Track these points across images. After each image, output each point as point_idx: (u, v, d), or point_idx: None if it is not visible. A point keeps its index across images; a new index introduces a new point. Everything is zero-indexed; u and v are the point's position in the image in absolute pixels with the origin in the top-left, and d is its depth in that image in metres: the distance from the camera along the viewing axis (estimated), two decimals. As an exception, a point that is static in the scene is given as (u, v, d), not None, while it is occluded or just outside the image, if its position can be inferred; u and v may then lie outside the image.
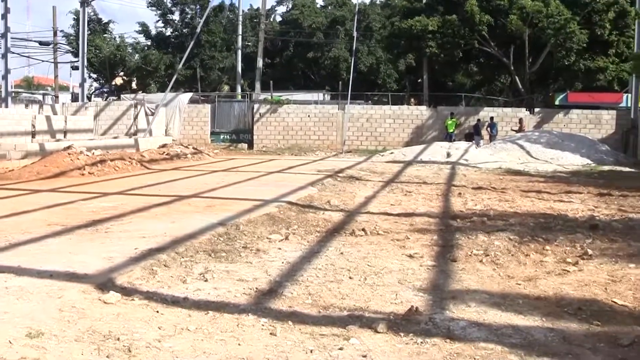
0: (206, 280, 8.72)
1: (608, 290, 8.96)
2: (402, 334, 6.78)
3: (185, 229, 12.13)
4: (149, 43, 63.59)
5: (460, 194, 19.72)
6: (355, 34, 49.89)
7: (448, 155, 33.94)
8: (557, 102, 47.51)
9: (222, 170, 26.22)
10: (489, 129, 41.07)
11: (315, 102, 48.16)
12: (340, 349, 6.35)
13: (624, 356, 6.47)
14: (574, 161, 33.22)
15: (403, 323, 7.11)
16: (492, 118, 42.01)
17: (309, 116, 44.88)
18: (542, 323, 7.46)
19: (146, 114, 42.65)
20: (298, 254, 10.53)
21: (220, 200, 16.62)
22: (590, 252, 11.26)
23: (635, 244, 12.29)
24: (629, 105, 42.85)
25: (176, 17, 63.15)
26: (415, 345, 6.53)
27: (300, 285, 8.62)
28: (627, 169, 30.99)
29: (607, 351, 6.60)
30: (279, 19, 73.88)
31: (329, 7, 72.58)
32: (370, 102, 52.50)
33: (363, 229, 12.78)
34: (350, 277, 9.11)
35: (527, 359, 6.31)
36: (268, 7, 66.08)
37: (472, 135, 40.50)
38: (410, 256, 10.61)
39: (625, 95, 46.03)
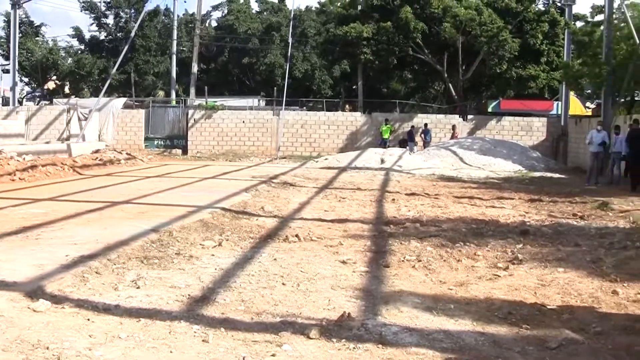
0: (138, 287, 8.64)
1: (537, 294, 9.12)
2: (334, 340, 6.80)
3: (118, 235, 12.00)
4: (82, 47, 62.70)
5: (393, 200, 19.85)
6: (290, 40, 49.86)
7: (382, 161, 34.11)
8: (489, 109, 48.14)
9: (155, 176, 26.01)
10: (422, 135, 41.38)
11: (250, 108, 48.03)
12: (273, 355, 6.35)
13: (551, 359, 6.60)
14: (506, 167, 33.65)
15: (335, 329, 7.13)
16: (426, 125, 42.35)
17: (243, 122, 44.73)
18: (473, 327, 7.56)
19: (79, 119, 42.05)
20: (231, 261, 10.50)
21: (154, 206, 16.50)
22: (520, 257, 11.45)
23: (564, 248, 12.53)
24: (559, 112, 43.59)
25: (110, 21, 62.38)
26: (348, 351, 6.56)
27: (233, 292, 8.59)
28: (557, 175, 31.50)
29: (535, 354, 6.73)
30: (214, 24, 73.62)
31: (265, 13, 72.54)
32: (305, 108, 52.61)
33: (296, 235, 12.80)
34: (283, 284, 9.12)
35: (458, 363, 6.40)
36: (203, 12, 65.75)
37: (406, 141, 40.75)
38: (344, 262, 10.66)
39: (555, 103, 46.86)
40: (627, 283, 9.87)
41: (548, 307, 8.56)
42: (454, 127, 42.69)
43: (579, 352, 6.86)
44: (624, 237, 13.67)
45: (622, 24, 33.99)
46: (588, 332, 7.55)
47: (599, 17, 45.06)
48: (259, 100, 56.86)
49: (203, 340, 6.65)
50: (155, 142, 45.41)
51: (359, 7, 49.90)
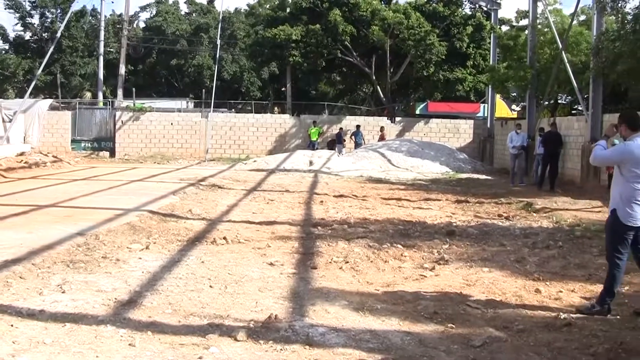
0: (64, 292, 8.54)
1: (463, 294, 9.27)
2: (261, 342, 6.83)
3: (43, 239, 11.81)
4: (6, 47, 61.50)
5: (322, 201, 19.94)
6: (219, 41, 49.66)
7: (311, 163, 34.16)
8: (417, 112, 48.61)
9: (82, 178, 25.64)
10: (353, 137, 41.53)
11: (179, 110, 47.62)
12: (200, 358, 6.36)
13: (475, 357, 6.74)
14: (433, 169, 33.99)
15: (263, 331, 7.16)
16: (358, 126, 42.49)
17: (172, 124, 44.39)
18: (400, 327, 7.66)
19: (3, 121, 41.17)
20: (159, 264, 10.44)
21: (80, 209, 16.26)
22: (446, 257, 11.62)
23: (490, 248, 12.76)
24: (486, 115, 44.21)
25: (36, 20, 61.16)
26: (275, 353, 6.60)
27: (161, 295, 8.55)
28: (484, 177, 31.92)
29: (460, 352, 6.86)
30: (142, 25, 72.83)
31: (193, 15, 72.08)
32: (234, 110, 52.39)
33: (224, 238, 12.79)
34: (210, 286, 9.10)
35: (383, 363, 6.48)
36: (131, 13, 65.01)
37: (335, 143, 40.89)
38: (271, 264, 10.69)
39: (482, 106, 47.51)
40: (549, 281, 10.12)
41: (473, 306, 8.71)
42: (382, 129, 42.96)
43: (502, 349, 7.01)
44: (546, 237, 13.99)
45: (546, 29, 34.61)
46: (511, 330, 7.72)
47: (524, 22, 45.89)
48: (187, 102, 56.41)
49: (129, 344, 6.61)
50: (83, 145, 44.73)
51: (288, 10, 49.94)
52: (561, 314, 8.41)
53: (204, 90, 53.36)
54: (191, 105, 55.68)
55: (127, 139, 44.19)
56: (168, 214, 15.97)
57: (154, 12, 71.00)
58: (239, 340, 6.83)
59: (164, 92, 65.68)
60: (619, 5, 25.69)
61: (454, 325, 7.78)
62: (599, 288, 9.69)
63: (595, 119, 26.44)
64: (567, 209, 18.97)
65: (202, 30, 65.92)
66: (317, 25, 44.98)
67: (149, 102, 50.53)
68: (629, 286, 9.70)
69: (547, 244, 13.21)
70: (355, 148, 39.99)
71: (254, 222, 15.38)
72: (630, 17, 25.41)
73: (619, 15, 26.18)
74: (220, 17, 53.77)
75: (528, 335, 7.57)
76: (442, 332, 7.58)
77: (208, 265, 10.42)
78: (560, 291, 9.58)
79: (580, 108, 34.97)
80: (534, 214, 17.90)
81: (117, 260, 10.53)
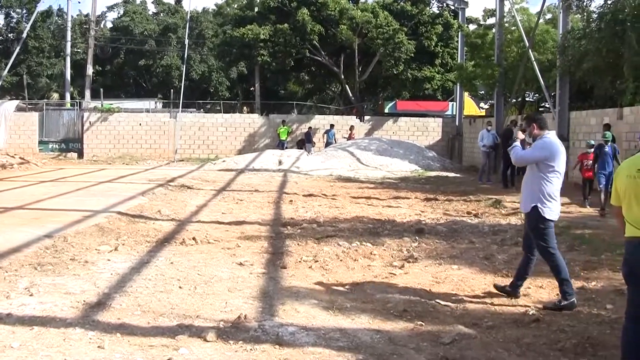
0: (31, 295, 8.46)
1: (432, 292, 9.31)
2: (231, 342, 6.82)
3: (10, 242, 11.70)
4: (-29, 48, 60.96)
5: (291, 201, 19.94)
6: (187, 41, 49.45)
7: (280, 162, 34.13)
8: (386, 110, 48.71)
9: (50, 180, 25.43)
10: (326, 135, 41.48)
11: (147, 111, 47.39)
12: (170, 359, 6.33)
13: (445, 354, 6.76)
14: (402, 167, 34.08)
15: (232, 331, 7.15)
16: (332, 126, 42.40)
17: (140, 125, 44.19)
18: (369, 325, 7.68)
19: (-32, 123, 40.94)
20: (127, 265, 10.37)
21: (48, 211, 16.12)
22: (416, 255, 11.68)
23: (459, 246, 12.83)
24: (454, 113, 44.45)
25: (1, 21, 60.79)
26: (245, 353, 6.59)
27: (130, 297, 8.50)
28: (453, 174, 32.08)
29: (429, 350, 6.89)
30: (109, 25, 72.35)
31: (161, 15, 71.72)
32: (202, 110, 52.21)
33: (194, 238, 12.75)
34: (180, 287, 9.06)
35: (353, 362, 6.49)
36: (98, 13, 64.63)
37: (304, 142, 40.90)
38: (241, 264, 10.67)
39: (450, 104, 47.72)
40: (517, 278, 10.16)
41: (442, 303, 8.75)
42: (351, 128, 43.00)
43: (471, 346, 7.06)
44: (515, 234, 14.08)
45: (513, 28, 34.90)
46: (480, 327, 7.78)
47: (491, 21, 46.19)
48: (155, 103, 56.14)
49: (99, 347, 6.57)
50: (50, 146, 44.40)
51: (256, 9, 49.92)
52: (529, 310, 8.48)
53: (172, 90, 53.17)
54: (160, 105, 55.44)
55: (95, 140, 43.92)
56: (137, 215, 15.89)
57: (122, 12, 70.59)
58: (208, 341, 6.80)
59: (132, 92, 65.35)
60: (584, 4, 25.99)
61: (423, 323, 7.82)
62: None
63: (563, 116, 26.69)
64: (535, 206, 19.06)
65: (170, 30, 65.65)
66: (285, 25, 44.95)
67: (117, 102, 50.23)
68: (595, 282, 9.80)
69: (515, 240, 13.29)
70: (326, 147, 39.97)
71: (223, 223, 15.36)
72: (596, 16, 25.70)
73: (585, 14, 26.48)
74: (188, 17, 53.49)
75: (497, 331, 7.63)
76: (412, 329, 7.61)
77: (177, 266, 10.38)
78: (529, 287, 9.65)
79: (547, 105, 35.23)
80: (503, 211, 18.02)
81: (85, 262, 10.45)
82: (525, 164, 8.93)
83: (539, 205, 8.65)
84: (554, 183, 8.66)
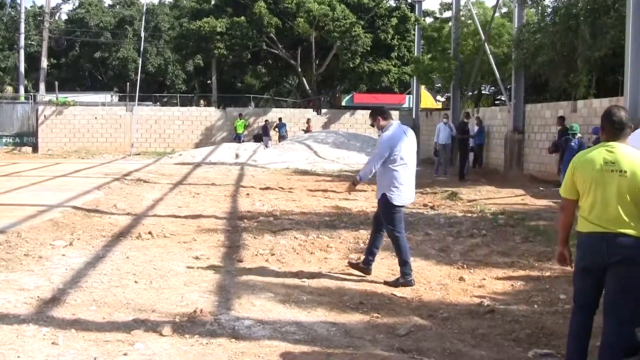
0: (-16, 291, 8.36)
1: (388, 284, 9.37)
2: (187, 336, 6.80)
3: (-38, 237, 11.55)
4: None
5: (248, 194, 19.90)
6: (143, 34, 49.14)
7: (237, 156, 34.04)
8: (343, 103, 48.92)
9: (3, 175, 25.06)
10: (277, 129, 41.52)
11: (103, 104, 47.12)
12: (125, 354, 6.28)
13: (400, 345, 6.81)
14: (359, 160, 34.04)
15: (188, 325, 7.12)
16: (280, 119, 42.53)
17: (96, 118, 43.87)
18: (326, 318, 7.71)
19: None
20: (83, 260, 10.27)
21: (1, 207, 15.91)
22: (372, 248, 11.69)
23: (415, 238, 12.90)
24: (411, 106, 44.62)
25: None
26: (201, 347, 6.57)
27: (85, 292, 8.43)
28: (409, 167, 32.17)
29: (385, 342, 6.94)
30: (64, 17, 71.64)
31: (117, 7, 71.20)
32: (159, 103, 52.04)
33: (150, 232, 12.66)
34: (136, 281, 9.01)
35: (309, 354, 6.49)
36: (53, 4, 63.80)
37: (261, 136, 40.86)
38: (197, 258, 10.63)
39: (407, 97, 47.99)
40: (472, 269, 10.30)
41: (398, 295, 8.81)
42: (308, 121, 43.07)
43: (427, 337, 7.12)
44: (471, 226, 14.21)
45: (469, 21, 35.10)
46: (436, 318, 7.86)
47: (448, 14, 46.42)
48: (111, 96, 55.85)
49: (53, 343, 6.50)
50: (4, 140, 43.89)
51: (213, 2, 49.75)
52: (484, 301, 8.56)
53: (128, 83, 52.85)
54: (116, 98, 55.13)
55: (50, 133, 43.52)
56: (92, 209, 15.72)
57: (77, 4, 69.98)
58: (164, 335, 6.77)
59: (87, 85, 64.90)
60: (539, -2, 26.26)
61: (379, 315, 7.86)
62: (521, 274, 9.98)
63: (518, 108, 26.93)
64: (490, 198, 19.29)
65: (126, 23, 65.24)
66: (242, 18, 44.91)
67: (73, 96, 49.86)
68: (549, 272, 9.90)
69: (471, 232, 13.42)
70: (280, 140, 39.98)
71: (179, 216, 15.27)
72: (550, 10, 26.02)
73: (539, 8, 26.78)
74: (144, 10, 53.34)
75: (452, 322, 7.71)
76: (368, 322, 7.64)
77: (133, 261, 10.30)
78: (484, 279, 9.76)
79: (503, 98, 35.48)
80: (459, 203, 18.14)
81: (39, 258, 10.32)
82: (376, 166, 9.27)
83: (387, 192, 9.24)
84: (400, 171, 9.23)
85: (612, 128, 5.71)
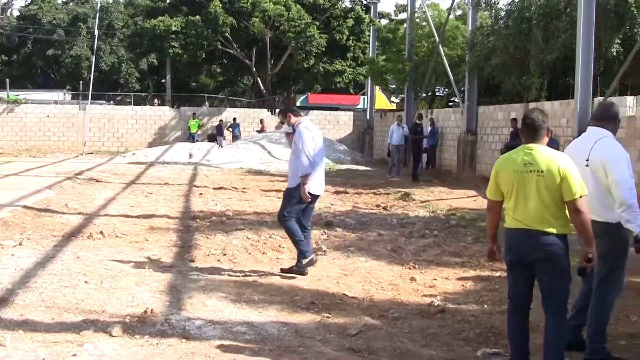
0: None
1: (339, 284, 9.42)
2: (137, 337, 6.77)
3: None
4: None
5: (201, 194, 19.83)
6: (97, 32, 48.67)
7: (190, 155, 33.91)
8: (298, 103, 48.89)
9: (-48, 173, 24.75)
10: (231, 129, 41.41)
11: (55, 102, 46.62)
12: (74, 355, 6.24)
13: (351, 345, 6.85)
14: (313, 160, 34.14)
15: (139, 325, 7.09)
16: (234, 119, 42.45)
17: (48, 116, 43.40)
18: (277, 318, 7.72)
19: None
20: (32, 260, 10.15)
21: (-51, 206, 15.69)
22: (324, 248, 11.76)
23: (367, 238, 12.98)
24: (365, 107, 44.80)
25: None
26: (151, 347, 6.55)
27: (34, 292, 8.33)
28: (363, 168, 32.35)
29: (336, 341, 6.97)
30: (16, 13, 70.69)
31: (70, 4, 70.36)
32: (112, 102, 51.61)
33: (101, 232, 12.57)
34: (86, 282, 8.92)
35: (260, 354, 6.50)
36: (4, 0, 63.04)
37: (215, 136, 40.73)
38: (149, 258, 10.58)
39: (362, 97, 48.18)
40: (424, 270, 10.38)
41: (349, 295, 8.85)
42: (262, 121, 43.01)
43: (377, 337, 7.17)
44: (423, 226, 14.32)
45: (424, 23, 35.33)
46: (387, 318, 7.90)
47: (402, 16, 46.56)
48: (64, 94, 55.23)
49: (-1, 344, 6.44)
50: (-47, 138, 43.27)
51: (168, 0, 49.45)
52: (435, 301, 8.64)
53: (81, 81, 52.39)
54: (68, 97, 54.56)
55: (1, 132, 42.99)
56: (43, 208, 15.57)
57: (29, 0, 69.01)
58: (114, 336, 6.74)
59: (39, 83, 64.06)
60: (493, 1, 26.51)
61: (330, 315, 7.89)
62: (472, 274, 10.09)
63: (471, 110, 27.19)
64: (443, 199, 19.46)
65: (80, 20, 64.46)
66: (197, 17, 44.69)
67: (24, 93, 49.25)
68: (500, 272, 9.99)
69: (423, 233, 13.53)
70: (234, 140, 39.89)
71: (131, 216, 15.18)
72: (503, 13, 26.33)
73: (493, 11, 27.01)
74: (98, 7, 52.74)
75: (403, 322, 7.77)
76: (319, 322, 7.67)
77: (84, 261, 10.20)
78: (435, 279, 9.84)
79: (456, 100, 35.80)
80: (411, 204, 18.26)
81: (-13, 258, 10.21)
82: (310, 155, 9.56)
83: (296, 181, 9.75)
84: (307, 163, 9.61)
85: (528, 130, 5.96)
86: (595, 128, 6.70)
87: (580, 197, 5.73)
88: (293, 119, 9.90)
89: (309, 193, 9.64)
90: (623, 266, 6.52)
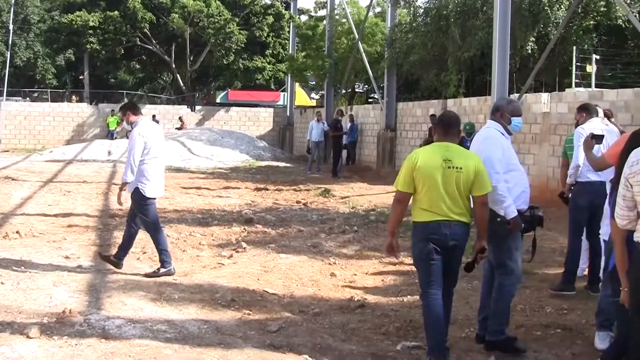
0: None
1: (260, 281, 9.46)
2: (55, 337, 6.71)
3: None
4: None
5: (119, 192, 19.59)
6: (11, 26, 47.62)
7: (109, 153, 33.47)
8: (218, 100, 48.71)
9: None
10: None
11: (-31, 99, 45.56)
12: (-11, 357, 6.16)
13: (271, 341, 6.91)
14: (233, 157, 34.08)
15: (57, 326, 7.02)
16: (154, 116, 41.98)
17: (-39, 113, 42.42)
18: (197, 316, 7.74)
19: None
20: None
21: None
22: (244, 245, 11.76)
23: (287, 235, 13.03)
24: (286, 103, 44.83)
25: None
26: (70, 348, 6.50)
27: (-54, 294, 8.18)
28: (284, 164, 32.40)
29: (257, 338, 7.02)
30: None
31: (-19, -2, 68.88)
32: (28, 99, 50.63)
33: (17, 232, 12.36)
34: (2, 283, 8.76)
35: (180, 353, 6.51)
36: None
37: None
38: (67, 257, 10.47)
39: (282, 94, 48.17)
40: (344, 265, 10.52)
41: (270, 292, 8.89)
42: (181, 118, 42.72)
43: (298, 333, 7.25)
44: (343, 222, 14.45)
45: (343, 20, 35.57)
46: (307, 314, 7.98)
47: (322, 12, 46.78)
48: (-22, 91, 54.01)
49: None
50: None
51: (86, -5, 48.72)
52: (355, 296, 8.74)
53: (-5, 77, 51.19)
54: (-18, 93, 53.26)
55: None
56: (-44, 208, 15.27)
57: (-62, -6, 67.28)
58: (31, 337, 6.66)
59: (-49, 79, 62.47)
60: (411, -1, 26.88)
61: (251, 312, 7.93)
62: (392, 269, 10.27)
63: (390, 107, 27.45)
64: (363, 195, 19.64)
65: (-6, 15, 63.12)
66: (116, 12, 44.14)
67: None
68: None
69: (343, 229, 13.65)
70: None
71: (49, 215, 14.95)
72: (422, 11, 26.70)
73: (411, 9, 27.34)
74: (13, 1, 51.67)
75: (323, 318, 7.85)
76: (240, 319, 7.71)
77: (-1, 261, 10.05)
78: (355, 274, 9.96)
79: (376, 96, 36.08)
80: (332, 200, 18.39)
81: None
82: (136, 161, 9.42)
83: (139, 185, 9.48)
84: (150, 164, 9.51)
85: (442, 129, 6.41)
86: None
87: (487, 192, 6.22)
88: (132, 117, 9.73)
89: (149, 197, 9.55)
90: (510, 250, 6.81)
